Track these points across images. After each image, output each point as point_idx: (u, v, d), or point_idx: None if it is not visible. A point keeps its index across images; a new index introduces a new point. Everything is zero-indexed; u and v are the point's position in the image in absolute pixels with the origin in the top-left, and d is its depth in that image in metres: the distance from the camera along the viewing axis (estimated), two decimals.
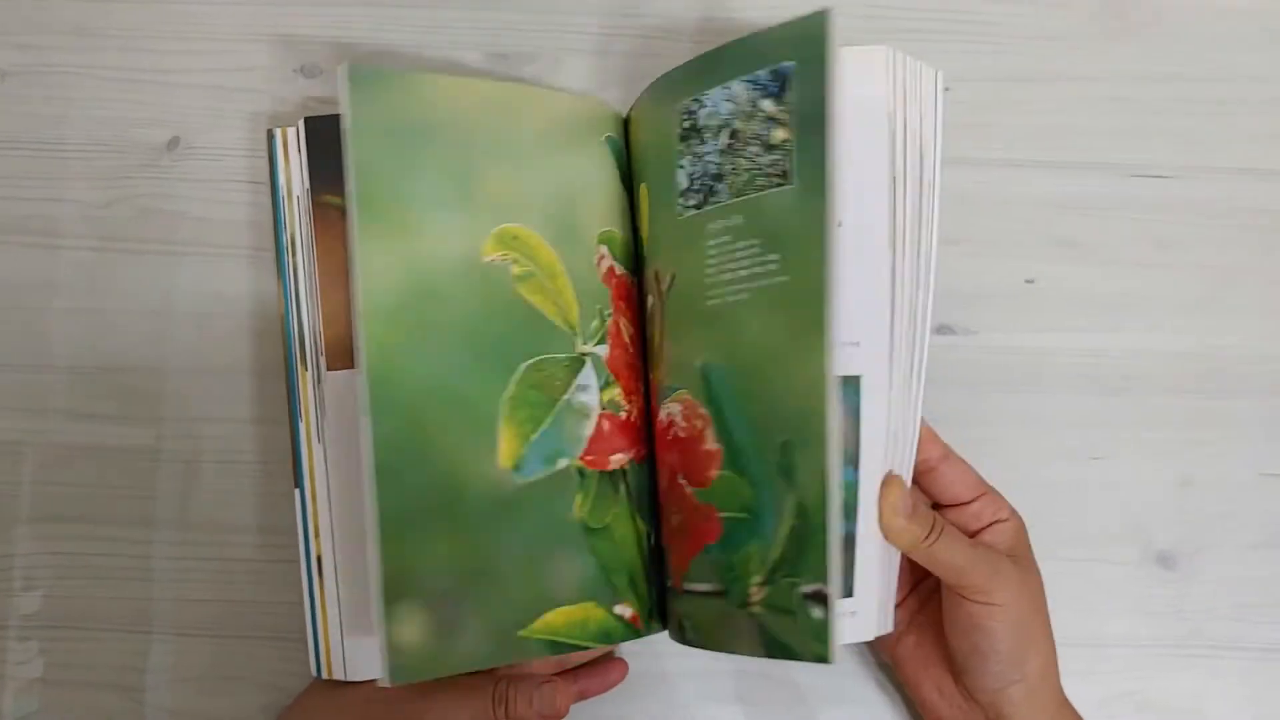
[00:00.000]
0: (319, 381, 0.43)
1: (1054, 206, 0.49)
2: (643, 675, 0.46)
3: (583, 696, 0.44)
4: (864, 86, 0.39)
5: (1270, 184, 0.49)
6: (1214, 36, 0.50)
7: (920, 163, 0.40)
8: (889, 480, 0.39)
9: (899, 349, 0.39)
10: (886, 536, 0.39)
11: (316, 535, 0.43)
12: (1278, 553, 0.47)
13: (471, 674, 0.42)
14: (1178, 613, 0.47)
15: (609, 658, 0.46)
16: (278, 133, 0.45)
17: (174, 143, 0.48)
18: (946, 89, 0.48)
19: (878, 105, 0.39)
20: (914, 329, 0.40)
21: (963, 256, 0.48)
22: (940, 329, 0.48)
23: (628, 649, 0.46)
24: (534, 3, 0.49)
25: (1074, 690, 0.42)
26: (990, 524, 0.41)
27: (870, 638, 0.40)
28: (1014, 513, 0.42)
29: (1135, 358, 0.48)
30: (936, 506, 0.42)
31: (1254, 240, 0.49)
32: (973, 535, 0.41)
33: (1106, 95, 0.49)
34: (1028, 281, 0.49)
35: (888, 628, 0.40)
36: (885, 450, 0.39)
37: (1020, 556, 0.41)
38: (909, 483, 0.40)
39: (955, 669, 0.41)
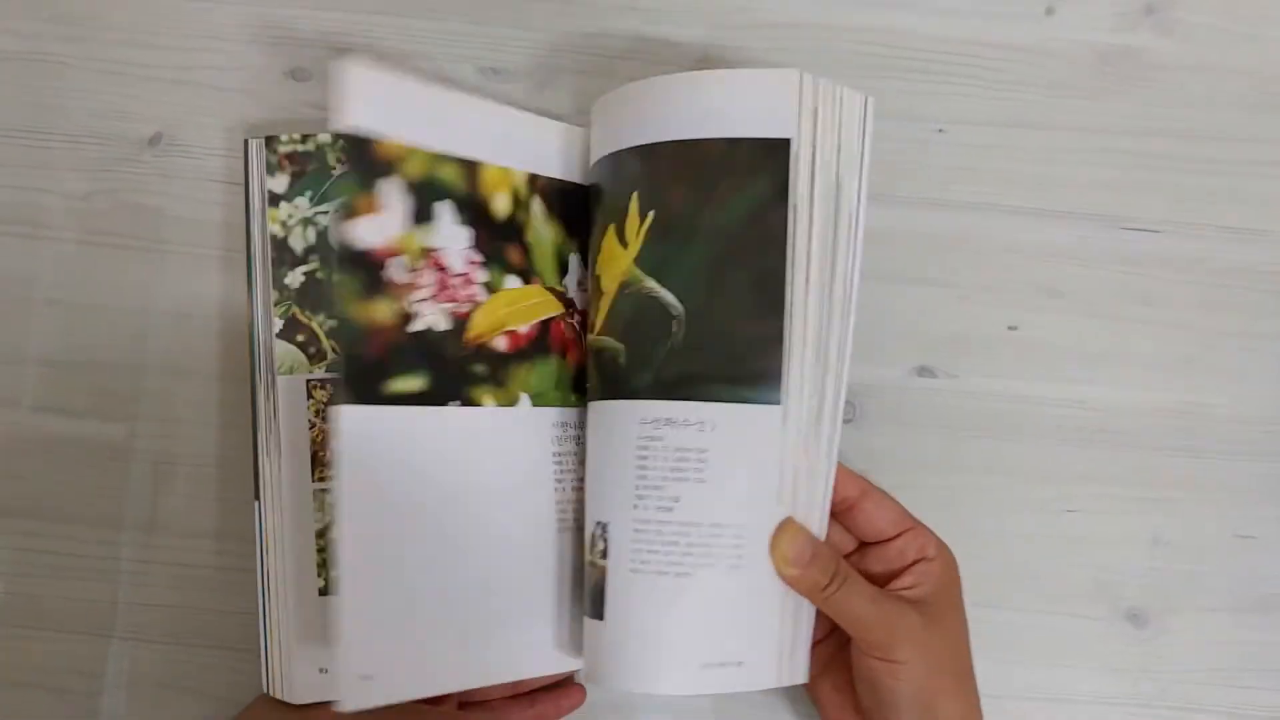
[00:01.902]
0: (269, 396, 0.43)
1: (1042, 254, 0.48)
2: (605, 706, 0.46)
3: None
4: (764, 110, 0.38)
5: (1259, 246, 0.49)
6: (1209, 95, 0.49)
7: (837, 191, 0.39)
8: (783, 526, 0.38)
9: (806, 387, 0.38)
10: (786, 583, 0.38)
11: (268, 550, 0.42)
12: (1249, 616, 0.47)
13: (426, 701, 0.41)
14: (1146, 671, 0.47)
15: (567, 683, 0.45)
16: (253, 143, 0.44)
17: (157, 139, 0.47)
18: (941, 130, 0.49)
19: (776, 129, 0.38)
20: (822, 365, 0.39)
21: (947, 300, 0.48)
22: (921, 371, 0.48)
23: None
24: (530, 19, 0.49)
25: None
26: (913, 563, 0.40)
27: (761, 688, 0.39)
28: (942, 549, 0.40)
29: (1114, 412, 0.48)
30: (861, 544, 0.41)
31: (1239, 301, 0.49)
32: (896, 573, 0.40)
33: (1100, 147, 0.49)
34: (1011, 328, 0.48)
35: (796, 678, 0.39)
36: (778, 492, 0.38)
37: (941, 601, 0.39)
38: (824, 524, 0.39)
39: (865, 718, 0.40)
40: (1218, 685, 0.47)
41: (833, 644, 0.42)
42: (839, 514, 0.40)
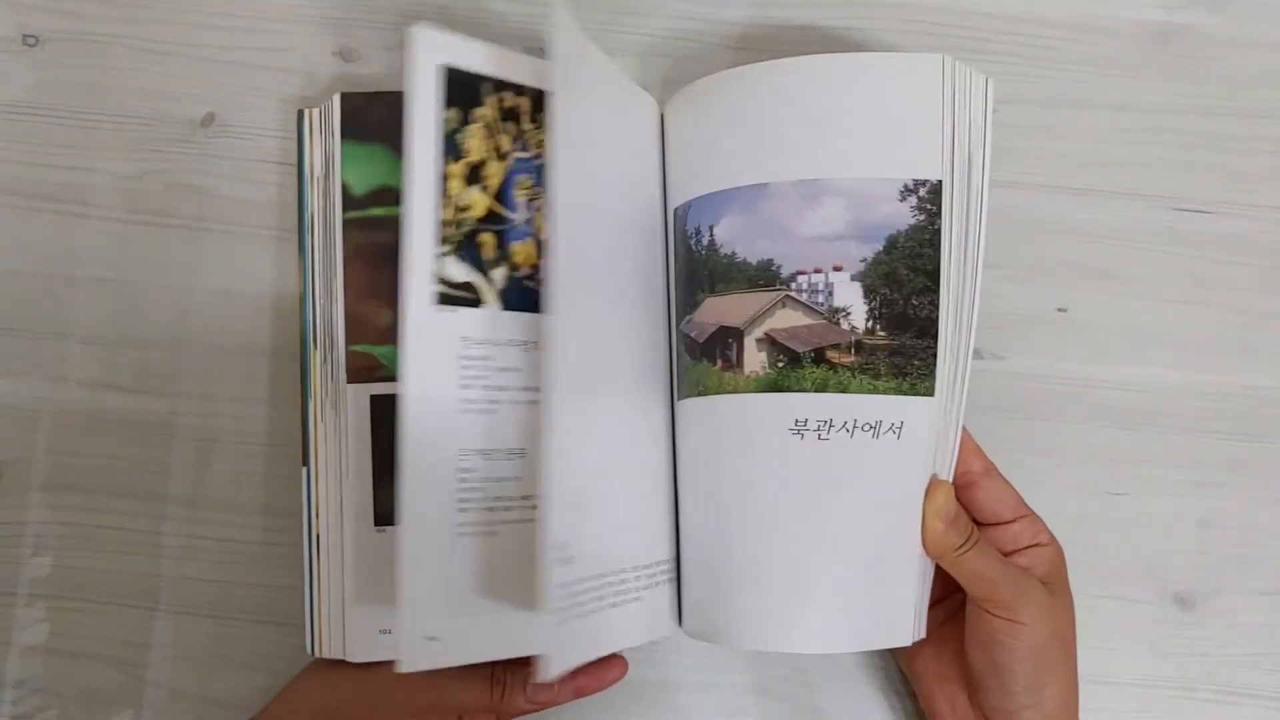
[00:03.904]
0: (326, 360, 0.43)
1: (1092, 235, 0.48)
2: (645, 684, 0.46)
3: (580, 694, 0.44)
4: (921, 95, 0.39)
5: None
6: (1264, 73, 0.49)
7: (968, 168, 0.40)
8: (935, 484, 0.39)
9: (946, 355, 0.39)
10: (924, 540, 0.39)
11: (317, 515, 0.43)
12: None
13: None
14: (1192, 655, 0.46)
15: (609, 655, 0.45)
16: (307, 113, 0.45)
17: (209, 119, 0.48)
18: (995, 110, 0.48)
19: (935, 113, 0.39)
20: (959, 335, 0.40)
21: (996, 281, 0.48)
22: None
23: (632, 658, 0.46)
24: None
25: None
26: (1028, 547, 0.41)
27: (899, 645, 0.40)
28: (1053, 539, 0.41)
29: (1163, 394, 0.48)
30: (976, 524, 0.41)
31: None
32: (1009, 555, 0.41)
33: (1152, 126, 0.49)
34: (1060, 310, 0.48)
35: (921, 634, 0.40)
36: (931, 455, 0.39)
37: (1054, 583, 0.40)
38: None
39: (972, 687, 0.41)
40: (1264, 669, 0.46)
41: (937, 616, 0.43)
42: (961, 490, 0.41)
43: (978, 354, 0.48)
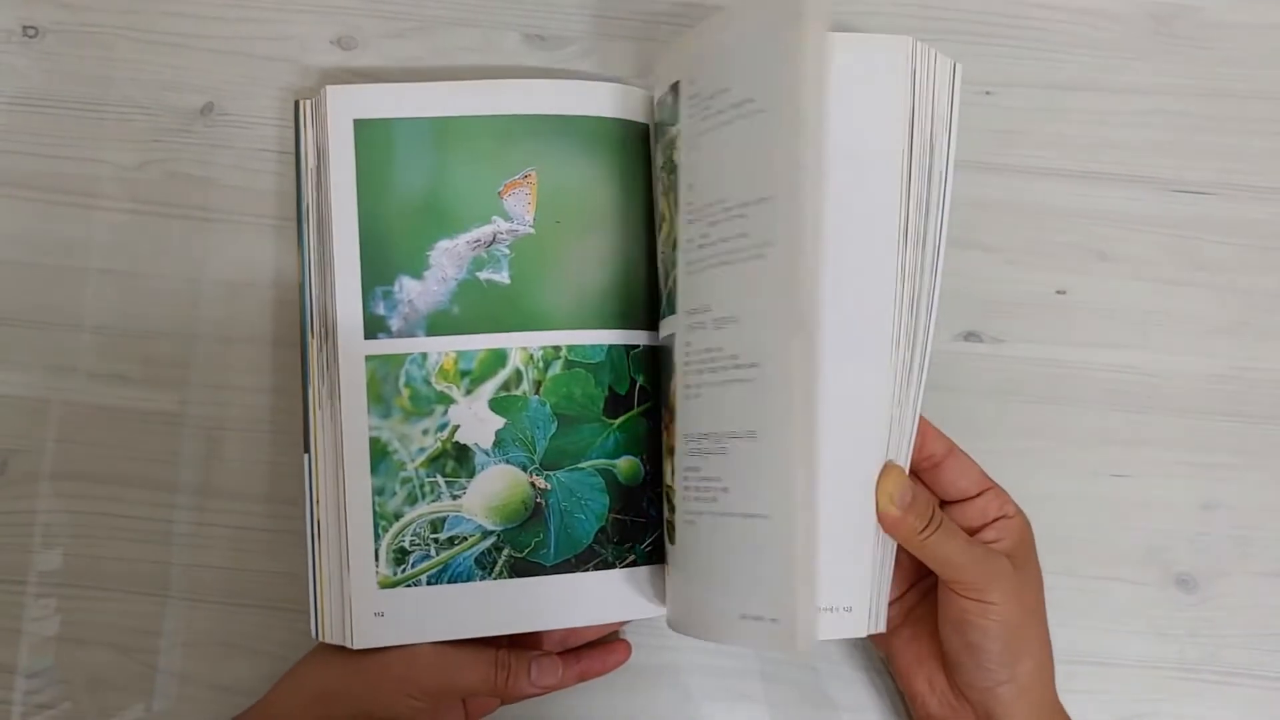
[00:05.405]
0: (322, 349, 0.44)
1: (1091, 218, 0.48)
2: (653, 668, 0.46)
3: (584, 677, 0.44)
4: (884, 76, 0.39)
5: None
6: (1263, 54, 0.49)
7: (930, 153, 0.40)
8: (887, 469, 0.39)
9: (902, 339, 0.39)
10: (883, 526, 0.39)
11: (318, 501, 0.43)
12: None
13: (475, 642, 0.42)
14: (1194, 637, 0.47)
15: (613, 638, 0.46)
16: (303, 104, 0.45)
17: (208, 109, 0.48)
18: (988, 93, 0.48)
19: (898, 96, 0.39)
20: (915, 320, 0.40)
21: (995, 264, 0.48)
22: (968, 336, 0.48)
23: (639, 640, 0.46)
24: None
25: (1085, 708, 0.41)
26: (994, 520, 0.41)
27: (858, 635, 0.40)
28: (1019, 510, 0.41)
29: (1164, 376, 0.48)
30: (941, 503, 0.42)
31: None
32: (976, 531, 0.41)
33: (1150, 108, 0.48)
34: (1059, 292, 0.48)
35: (880, 627, 0.40)
36: (885, 441, 0.39)
37: (1021, 555, 0.40)
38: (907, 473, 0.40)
39: (947, 665, 0.41)
40: (1265, 650, 0.47)
41: (909, 599, 0.43)
42: (924, 471, 0.41)
43: (977, 337, 0.48)
